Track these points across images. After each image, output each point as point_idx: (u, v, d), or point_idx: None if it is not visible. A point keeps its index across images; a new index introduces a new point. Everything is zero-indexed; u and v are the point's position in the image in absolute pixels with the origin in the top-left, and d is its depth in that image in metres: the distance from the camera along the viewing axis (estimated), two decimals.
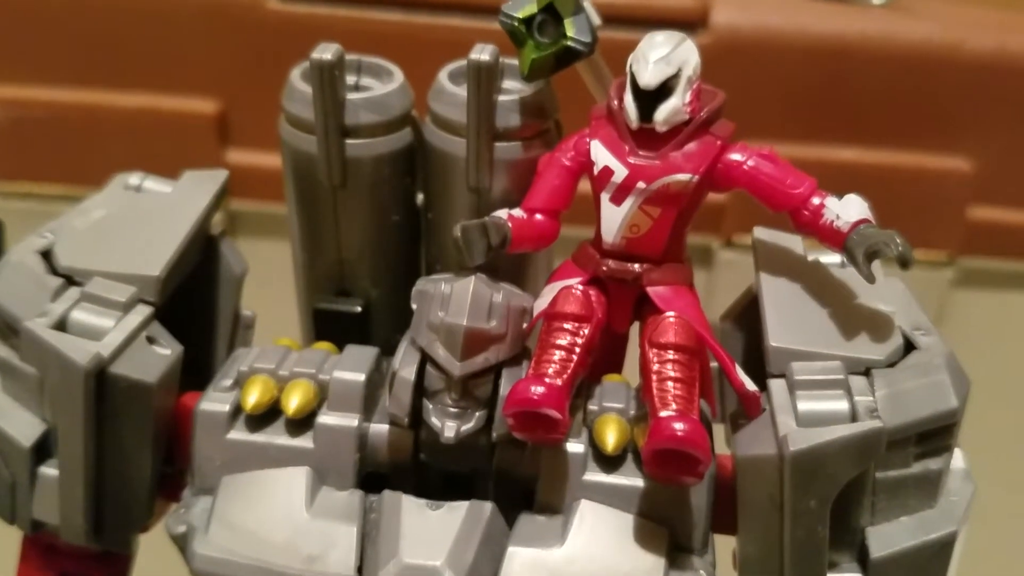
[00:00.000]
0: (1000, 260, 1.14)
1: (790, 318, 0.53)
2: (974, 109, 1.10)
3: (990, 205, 1.12)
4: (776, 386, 0.50)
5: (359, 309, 0.62)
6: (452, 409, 0.50)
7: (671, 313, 0.50)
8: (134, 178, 0.61)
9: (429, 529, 0.50)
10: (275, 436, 0.53)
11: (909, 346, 0.52)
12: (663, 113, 0.50)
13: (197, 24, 1.06)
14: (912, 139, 1.10)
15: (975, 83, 1.09)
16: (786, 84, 1.07)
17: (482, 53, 0.53)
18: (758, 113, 1.06)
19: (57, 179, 1.11)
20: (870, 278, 0.49)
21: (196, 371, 0.58)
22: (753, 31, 1.06)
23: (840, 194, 0.52)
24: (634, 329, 0.56)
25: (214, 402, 0.53)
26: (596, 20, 0.53)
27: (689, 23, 1.05)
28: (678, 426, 0.46)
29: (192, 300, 0.60)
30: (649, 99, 0.50)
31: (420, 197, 0.62)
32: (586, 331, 0.51)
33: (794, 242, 0.57)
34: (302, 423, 0.53)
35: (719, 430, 0.57)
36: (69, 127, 1.09)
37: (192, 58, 1.07)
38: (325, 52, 0.54)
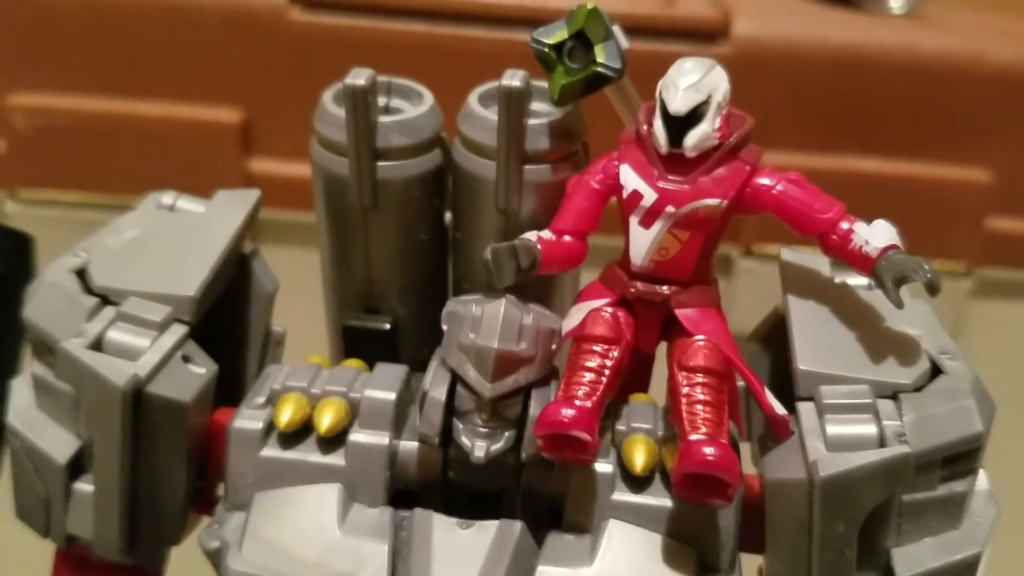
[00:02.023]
0: (1019, 271, 1.14)
1: (818, 341, 0.53)
2: (993, 120, 1.10)
3: (1009, 216, 1.13)
4: (805, 409, 0.51)
5: (388, 326, 0.62)
6: (482, 429, 0.51)
7: (700, 336, 0.51)
8: (167, 197, 0.62)
9: (459, 548, 0.50)
10: (307, 453, 0.53)
11: (935, 370, 0.52)
12: (693, 139, 0.50)
13: (220, 34, 1.06)
14: (931, 149, 1.10)
15: (994, 94, 1.09)
16: (806, 94, 1.08)
17: (513, 79, 0.54)
18: (778, 123, 1.07)
19: (81, 187, 1.11)
20: (899, 304, 0.50)
21: (227, 387, 0.59)
22: (774, 42, 1.06)
23: (868, 219, 0.52)
24: (661, 349, 0.56)
25: (247, 419, 0.54)
26: (625, 44, 0.54)
27: (710, 34, 1.05)
28: (708, 451, 0.47)
29: (224, 317, 0.61)
30: (679, 125, 0.50)
31: (448, 216, 0.62)
32: (615, 353, 0.51)
33: (821, 264, 0.58)
34: (334, 441, 0.53)
35: (745, 448, 0.57)
36: (93, 135, 1.10)
37: (215, 67, 1.08)
38: (358, 78, 0.54)
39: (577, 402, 0.49)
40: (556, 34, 0.53)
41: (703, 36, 1.05)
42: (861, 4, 1.15)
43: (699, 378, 0.50)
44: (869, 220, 0.52)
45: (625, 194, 0.52)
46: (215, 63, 1.08)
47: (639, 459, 0.51)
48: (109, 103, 1.10)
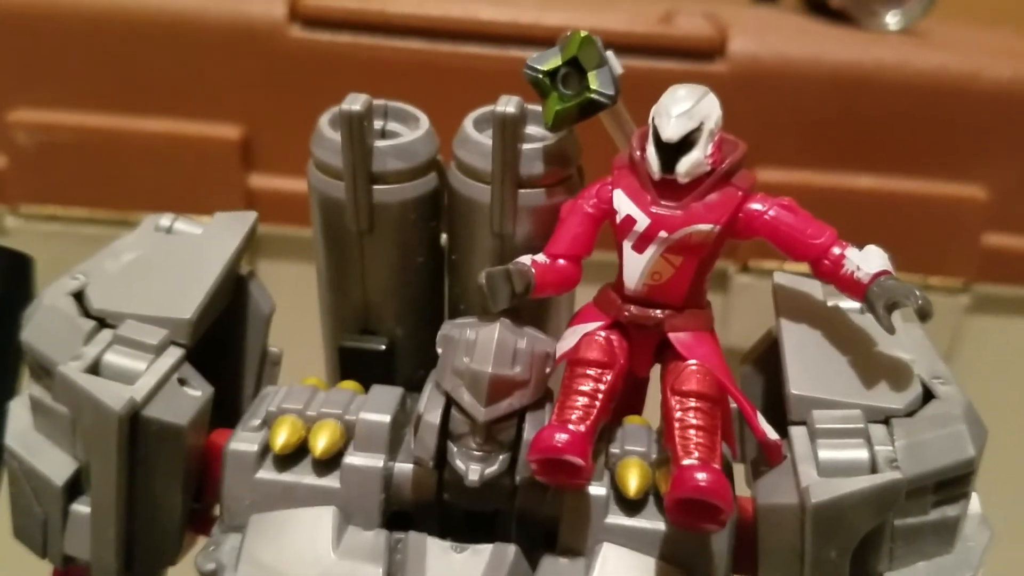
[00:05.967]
0: (1015, 287, 1.15)
1: (811, 365, 0.53)
2: (990, 137, 1.10)
3: (1005, 232, 1.13)
4: (797, 434, 0.51)
5: (384, 347, 0.63)
6: (476, 452, 0.51)
7: (693, 361, 0.51)
8: (165, 219, 0.62)
9: (454, 571, 0.51)
10: (303, 476, 0.54)
11: (928, 395, 0.52)
12: (685, 165, 0.51)
13: (221, 51, 1.07)
14: (928, 166, 1.10)
15: (991, 111, 1.09)
16: (803, 112, 1.08)
17: (507, 105, 0.54)
18: (776, 141, 1.07)
19: (82, 202, 1.12)
20: (890, 330, 0.50)
21: (224, 408, 0.59)
22: (770, 60, 1.06)
23: (867, 237, 0.52)
24: (655, 372, 0.56)
25: (243, 442, 0.54)
26: (618, 70, 0.54)
27: (707, 52, 1.05)
28: (701, 476, 0.47)
29: (221, 338, 0.61)
30: (671, 151, 0.51)
31: (444, 237, 0.63)
32: (609, 377, 0.52)
33: (814, 287, 0.58)
34: (329, 463, 0.54)
35: (739, 470, 0.57)
36: (94, 151, 1.10)
37: (216, 84, 1.09)
38: (354, 103, 0.55)
39: (571, 426, 0.49)
40: (550, 61, 0.54)
41: (700, 54, 1.05)
42: (858, 21, 1.16)
43: (692, 403, 0.50)
44: (865, 241, 0.52)
45: (619, 219, 0.53)
46: (215, 80, 1.08)
47: (633, 482, 0.51)
48: (110, 119, 1.10)
